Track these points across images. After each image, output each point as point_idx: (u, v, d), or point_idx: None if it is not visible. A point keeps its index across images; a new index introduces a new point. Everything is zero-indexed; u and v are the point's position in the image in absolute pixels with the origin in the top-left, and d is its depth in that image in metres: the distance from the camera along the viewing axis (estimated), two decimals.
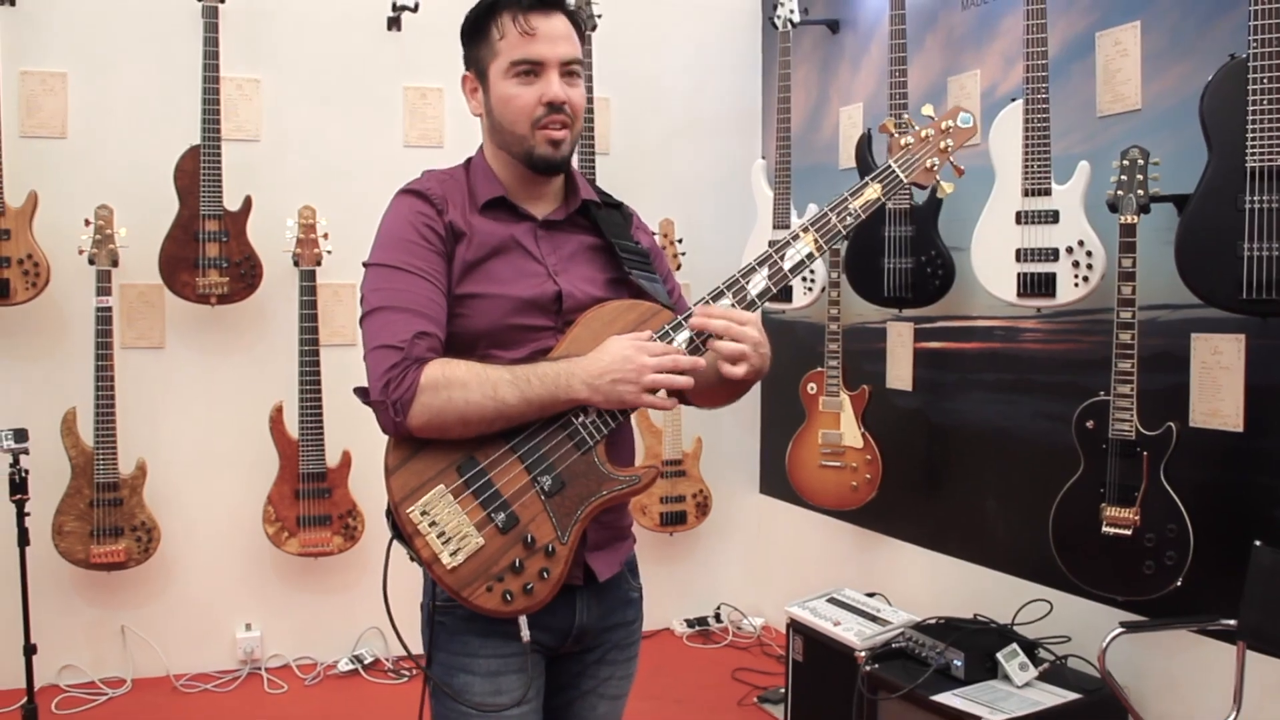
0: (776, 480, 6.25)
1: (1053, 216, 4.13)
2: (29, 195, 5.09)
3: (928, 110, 2.62)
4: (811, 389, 5.36)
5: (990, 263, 4.35)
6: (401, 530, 2.29)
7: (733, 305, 2.42)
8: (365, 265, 2.43)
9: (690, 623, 6.38)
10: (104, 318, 5.14)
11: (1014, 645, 4.03)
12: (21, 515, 4.50)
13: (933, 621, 4.34)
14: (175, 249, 5.24)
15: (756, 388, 6.54)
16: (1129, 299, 3.72)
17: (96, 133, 5.42)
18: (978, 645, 4.04)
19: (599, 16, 5.82)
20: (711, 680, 5.64)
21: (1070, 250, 4.08)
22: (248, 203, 5.35)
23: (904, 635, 4.27)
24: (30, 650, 4.54)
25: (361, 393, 2.33)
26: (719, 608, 6.50)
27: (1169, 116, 4.01)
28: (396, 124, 5.90)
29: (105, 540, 5.20)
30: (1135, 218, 3.72)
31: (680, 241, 6.09)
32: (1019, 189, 4.20)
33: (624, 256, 2.56)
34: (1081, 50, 4.36)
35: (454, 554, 2.26)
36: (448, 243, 2.42)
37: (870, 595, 4.93)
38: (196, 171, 5.23)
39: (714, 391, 2.62)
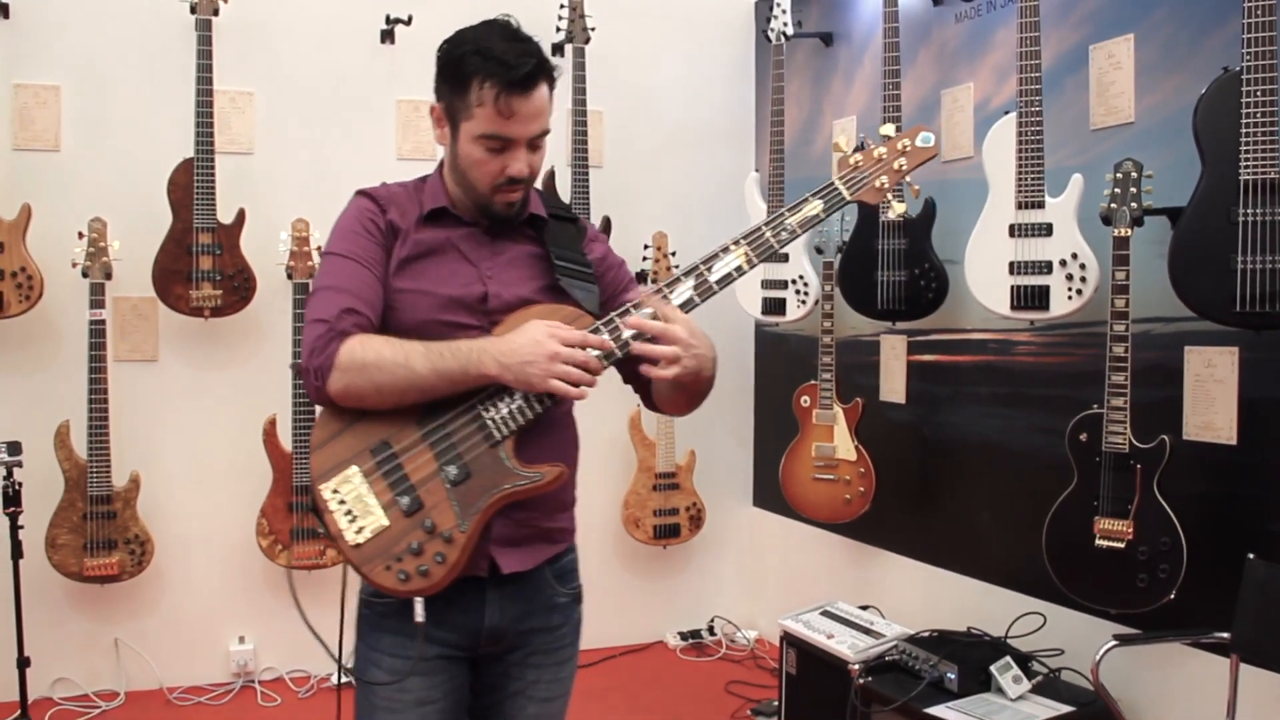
0: (770, 493, 6.25)
1: (1046, 229, 4.14)
2: (22, 208, 5.09)
3: (887, 130, 2.66)
4: (805, 402, 5.36)
5: (984, 275, 4.35)
6: (316, 505, 2.42)
7: (652, 316, 2.48)
8: (321, 254, 2.63)
9: (684, 635, 6.38)
10: (97, 330, 5.14)
11: (1007, 658, 4.02)
12: (15, 528, 4.51)
13: (926, 634, 4.34)
14: (168, 262, 5.24)
15: (749, 400, 6.61)
16: (1122, 312, 3.73)
17: (90, 145, 5.42)
18: (971, 658, 4.03)
19: (592, 29, 5.83)
20: (705, 693, 5.64)
21: (1064, 263, 4.09)
22: (241, 215, 5.35)
23: (897, 648, 4.27)
24: (23, 663, 4.54)
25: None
26: (712, 620, 6.50)
27: (1162, 129, 4.02)
28: (389, 137, 5.90)
29: (99, 553, 5.18)
30: (1129, 230, 3.73)
31: (674, 254, 6.09)
32: (1012, 202, 4.20)
33: (558, 264, 2.63)
34: (1075, 63, 4.37)
35: (358, 531, 2.40)
36: (387, 237, 2.58)
37: (864, 608, 4.93)
38: (190, 184, 5.22)
39: (672, 397, 2.69)
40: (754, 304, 5.74)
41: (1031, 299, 4.18)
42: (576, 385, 2.40)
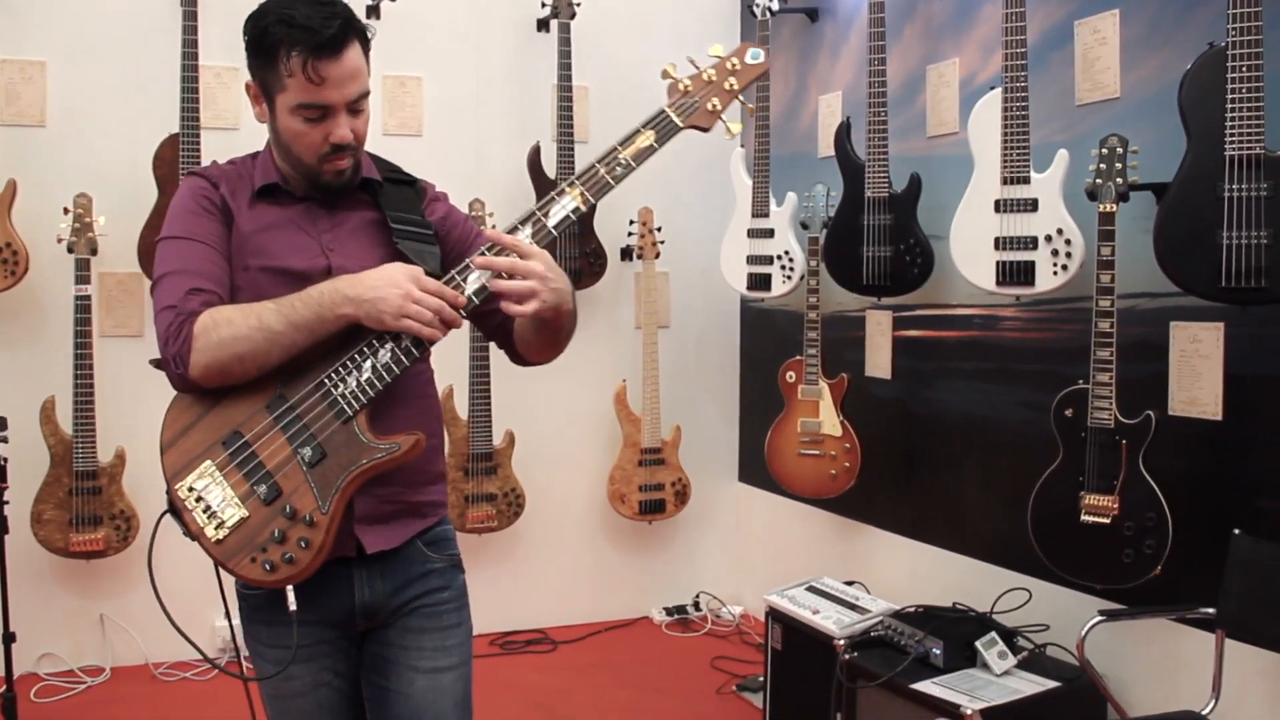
0: (755, 469, 6.26)
1: (1031, 205, 4.14)
2: (8, 183, 5.07)
3: (715, 50, 2.62)
4: (790, 377, 5.36)
5: (969, 251, 4.36)
6: (173, 506, 2.36)
7: (497, 253, 2.43)
8: (156, 243, 2.54)
9: (669, 611, 6.40)
10: (83, 306, 5.12)
11: (993, 633, 4.04)
12: (0, 504, 4.49)
13: (912, 610, 4.35)
14: (154, 237, 5.18)
15: (734, 375, 6.61)
16: (1108, 287, 3.73)
17: (75, 121, 5.40)
18: (957, 633, 4.05)
19: (578, 5, 5.82)
20: (690, 668, 5.66)
21: (1049, 239, 4.09)
22: None
23: (883, 623, 4.28)
24: (9, 638, 4.52)
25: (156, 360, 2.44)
26: (698, 596, 6.51)
27: (1148, 105, 4.02)
28: (375, 112, 5.82)
29: (84, 529, 5.18)
30: (1114, 206, 3.73)
31: (659, 229, 6.09)
32: (998, 177, 4.21)
33: (395, 228, 2.57)
34: (1060, 39, 4.37)
35: (218, 527, 2.34)
36: (224, 213, 2.52)
37: (849, 583, 4.93)
38: (175, 160, 5.19)
39: (535, 338, 2.66)
40: (739, 280, 5.74)
41: (1017, 274, 4.18)
42: (429, 326, 2.34)
